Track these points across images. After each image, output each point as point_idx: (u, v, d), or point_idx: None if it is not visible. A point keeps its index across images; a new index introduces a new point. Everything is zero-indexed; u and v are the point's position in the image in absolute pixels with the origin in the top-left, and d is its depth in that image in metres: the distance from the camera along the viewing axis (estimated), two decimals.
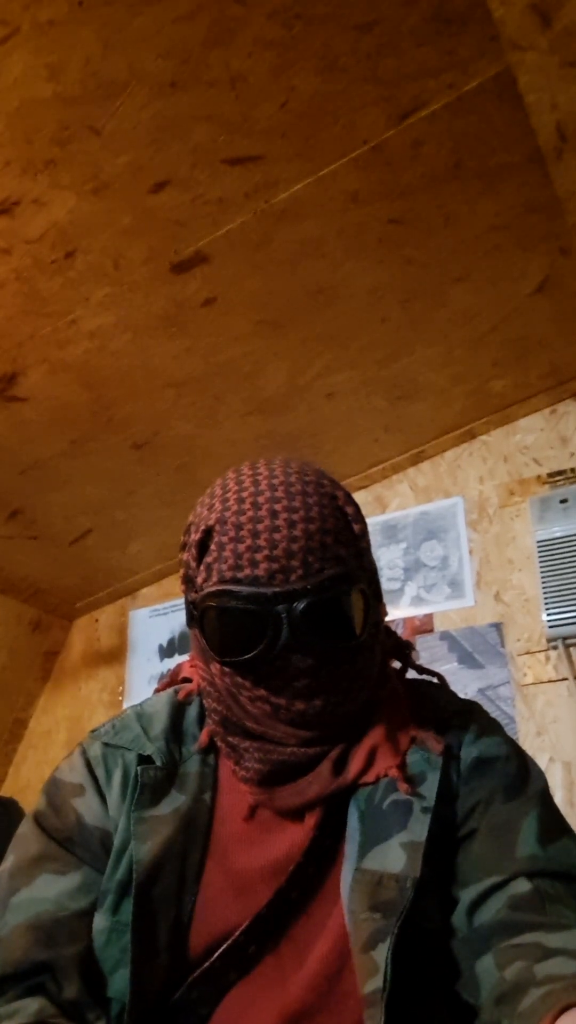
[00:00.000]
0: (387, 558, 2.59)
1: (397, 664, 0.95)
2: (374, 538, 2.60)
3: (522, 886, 0.76)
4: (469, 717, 0.90)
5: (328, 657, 0.80)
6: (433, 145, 1.70)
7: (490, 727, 0.90)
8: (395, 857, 0.77)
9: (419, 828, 0.78)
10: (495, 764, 0.85)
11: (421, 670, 0.96)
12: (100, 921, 0.80)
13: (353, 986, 0.74)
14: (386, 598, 2.80)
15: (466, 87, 1.61)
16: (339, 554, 0.80)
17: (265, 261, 1.89)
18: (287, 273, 1.93)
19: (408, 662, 0.95)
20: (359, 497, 2.71)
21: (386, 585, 2.56)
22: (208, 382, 2.20)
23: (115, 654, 2.99)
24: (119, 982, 0.78)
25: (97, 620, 3.11)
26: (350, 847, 0.79)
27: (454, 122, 1.66)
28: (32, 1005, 0.75)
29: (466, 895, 0.78)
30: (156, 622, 2.94)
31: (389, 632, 0.94)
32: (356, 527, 0.85)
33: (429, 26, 1.49)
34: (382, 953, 0.71)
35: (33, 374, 2.06)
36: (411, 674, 0.97)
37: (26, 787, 2.91)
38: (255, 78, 1.53)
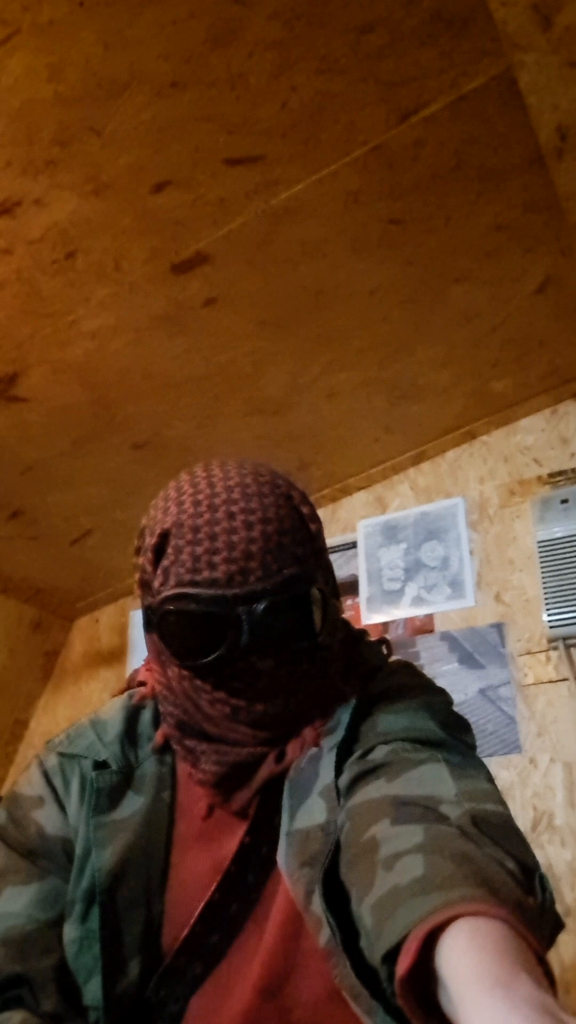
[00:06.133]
0: (387, 558, 2.59)
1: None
2: (375, 538, 2.61)
3: (379, 752, 0.77)
4: (391, 669, 0.92)
5: (288, 657, 0.80)
6: (434, 145, 1.70)
7: (407, 673, 0.92)
8: (318, 809, 0.77)
9: (328, 769, 0.79)
10: (395, 690, 0.87)
11: (369, 645, 0.96)
12: (70, 931, 0.80)
13: (314, 943, 0.74)
14: (386, 599, 2.78)
15: (467, 88, 1.61)
16: (297, 554, 0.80)
17: (266, 261, 1.89)
18: (288, 273, 1.93)
19: (357, 644, 0.95)
20: (360, 498, 2.72)
21: (387, 586, 2.56)
22: (209, 382, 2.20)
23: (116, 654, 2.99)
24: (94, 990, 0.77)
25: (98, 620, 3.11)
26: (284, 816, 0.80)
27: (455, 123, 1.66)
28: (15, 1017, 0.75)
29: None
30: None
31: (344, 623, 0.95)
32: (312, 526, 0.85)
33: (430, 26, 1.49)
34: (317, 903, 0.71)
35: (34, 374, 2.06)
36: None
37: None
38: (256, 78, 1.53)
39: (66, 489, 2.47)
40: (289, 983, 0.77)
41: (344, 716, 0.83)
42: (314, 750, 0.81)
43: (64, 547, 2.72)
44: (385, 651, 0.96)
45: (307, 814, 0.78)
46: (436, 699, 0.88)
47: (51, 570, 2.82)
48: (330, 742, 0.81)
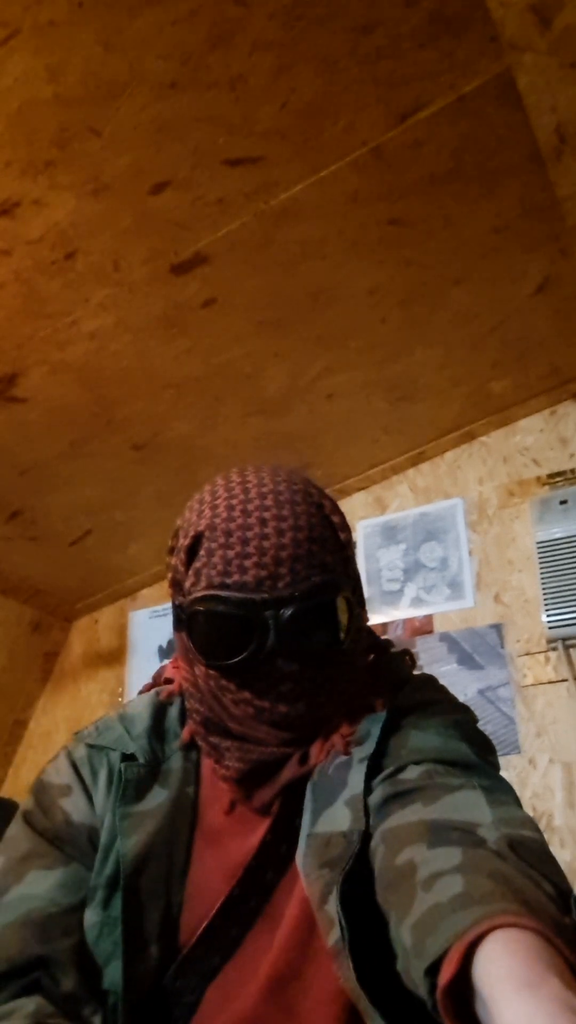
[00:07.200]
0: (387, 559, 2.59)
1: (371, 656, 0.96)
2: (374, 539, 2.62)
3: (412, 772, 0.78)
4: (417, 682, 0.93)
5: (313, 662, 0.82)
6: (433, 146, 1.70)
7: (433, 688, 0.93)
8: (341, 816, 0.79)
9: (356, 780, 0.80)
10: (416, 705, 0.88)
11: (395, 656, 0.97)
12: (91, 916, 0.82)
13: (324, 943, 0.76)
14: (385, 599, 2.78)
15: (466, 88, 1.61)
16: (325, 562, 0.82)
17: (265, 262, 1.89)
18: (287, 274, 1.93)
19: (383, 655, 0.97)
20: (359, 498, 2.72)
21: (386, 586, 2.56)
22: (208, 383, 2.20)
23: (115, 655, 2.99)
24: (113, 974, 0.79)
25: (97, 621, 3.11)
26: (305, 818, 0.81)
27: (454, 123, 1.66)
28: (29, 1005, 0.76)
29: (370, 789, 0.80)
30: (156, 623, 2.94)
31: (368, 631, 0.96)
32: (342, 535, 0.87)
33: (429, 27, 1.49)
34: (333, 905, 0.72)
35: (33, 375, 2.06)
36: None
37: (26, 788, 2.90)
38: (255, 79, 1.53)
39: (65, 490, 2.47)
40: (297, 980, 0.78)
41: (375, 729, 0.84)
42: (342, 758, 0.83)
43: (63, 548, 2.72)
44: (408, 661, 0.98)
45: (330, 820, 0.79)
46: (464, 717, 0.89)
47: (50, 571, 2.82)
48: (360, 753, 0.82)
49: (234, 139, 1.62)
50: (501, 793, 0.77)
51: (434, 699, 0.90)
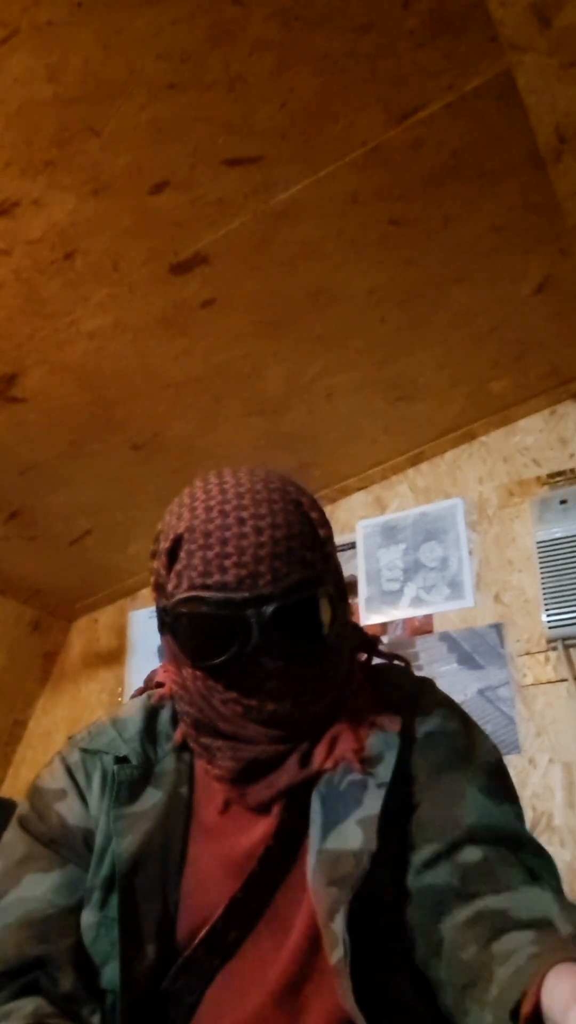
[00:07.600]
0: (386, 559, 2.59)
1: (363, 656, 0.97)
2: (374, 539, 2.62)
3: (471, 854, 0.78)
4: (422, 695, 0.93)
5: (297, 658, 0.83)
6: (432, 146, 1.70)
7: (442, 703, 0.93)
8: (352, 835, 0.79)
9: (373, 803, 0.80)
10: (443, 737, 0.88)
11: (388, 656, 0.98)
12: (88, 917, 0.82)
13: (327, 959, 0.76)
14: (385, 599, 2.78)
15: (465, 88, 1.61)
16: (305, 558, 0.83)
17: (264, 262, 1.89)
18: (286, 274, 1.93)
19: (374, 653, 0.97)
20: (359, 498, 2.72)
21: (385, 586, 2.56)
22: (207, 383, 2.20)
23: (115, 655, 2.99)
24: (110, 974, 0.80)
25: (96, 621, 3.11)
26: (313, 831, 0.81)
27: (453, 123, 1.66)
28: (28, 1005, 0.76)
29: (415, 858, 0.80)
30: (156, 623, 2.94)
31: (355, 628, 0.97)
32: (321, 531, 0.87)
33: (428, 27, 1.49)
34: (340, 923, 0.73)
35: (33, 375, 2.06)
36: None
37: (26, 788, 2.91)
38: (254, 79, 1.53)
39: (65, 490, 2.47)
40: (303, 993, 0.78)
41: (389, 754, 0.84)
42: (356, 776, 0.83)
43: (63, 547, 2.72)
44: (402, 665, 0.98)
45: (340, 837, 0.79)
46: (493, 759, 0.89)
47: (50, 571, 2.82)
48: (378, 779, 0.82)
49: (233, 139, 1.62)
50: (552, 877, 0.78)
51: (453, 730, 0.90)
